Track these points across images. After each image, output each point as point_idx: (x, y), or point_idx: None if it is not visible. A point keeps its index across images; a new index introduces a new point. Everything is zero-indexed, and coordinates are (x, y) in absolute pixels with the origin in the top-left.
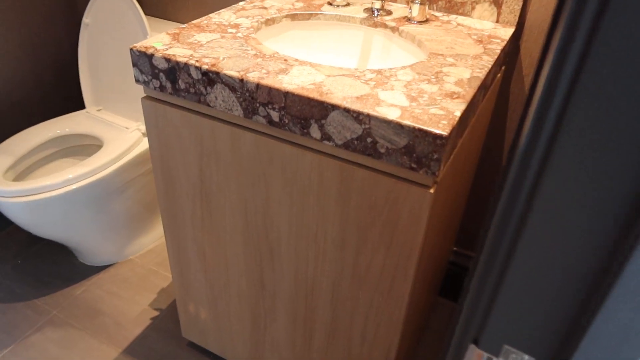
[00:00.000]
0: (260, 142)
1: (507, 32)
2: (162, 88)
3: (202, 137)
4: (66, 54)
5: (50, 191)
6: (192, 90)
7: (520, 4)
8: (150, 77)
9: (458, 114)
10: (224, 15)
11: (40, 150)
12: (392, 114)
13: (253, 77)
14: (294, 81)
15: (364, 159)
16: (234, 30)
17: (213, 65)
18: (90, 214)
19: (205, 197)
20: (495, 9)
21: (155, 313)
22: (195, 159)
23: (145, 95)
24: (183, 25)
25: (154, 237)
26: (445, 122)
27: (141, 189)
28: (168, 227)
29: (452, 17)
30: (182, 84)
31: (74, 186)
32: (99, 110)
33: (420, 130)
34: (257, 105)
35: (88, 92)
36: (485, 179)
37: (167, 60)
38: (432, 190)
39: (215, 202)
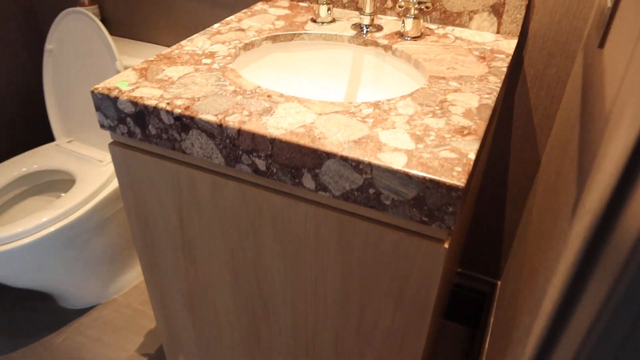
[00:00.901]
0: (246, 192)
1: (510, 45)
2: (130, 134)
3: (180, 187)
4: (31, 82)
5: (21, 239)
6: (164, 136)
7: (523, 12)
8: (116, 122)
9: (472, 156)
10: (197, 42)
11: (8, 190)
12: (397, 162)
13: (233, 121)
14: (280, 124)
15: (367, 210)
16: (209, 61)
17: (187, 108)
18: (69, 257)
19: (187, 247)
20: (495, 18)
21: (143, 359)
22: (174, 209)
23: (112, 140)
24: (152, 58)
25: (138, 272)
26: (459, 168)
27: (121, 224)
28: (149, 277)
29: (449, 29)
30: (153, 130)
31: (48, 230)
32: (69, 141)
33: (431, 181)
34: (240, 152)
35: (57, 123)
36: (487, 197)
37: (134, 103)
38: (446, 245)
39: (199, 253)
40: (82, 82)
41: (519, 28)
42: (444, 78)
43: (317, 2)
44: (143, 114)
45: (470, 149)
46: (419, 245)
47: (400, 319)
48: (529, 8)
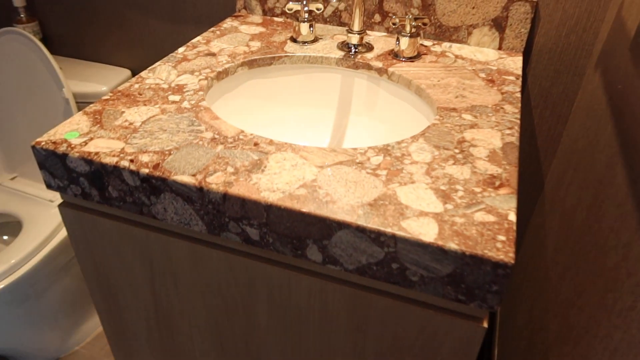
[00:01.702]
0: (235, 263)
1: (516, 63)
2: (85, 195)
3: (152, 256)
4: None
5: None
6: (129, 199)
7: (528, 26)
8: (66, 183)
9: (513, 217)
10: (161, 73)
11: None
12: (428, 232)
13: (216, 182)
14: (275, 184)
15: (387, 285)
16: (177, 98)
17: (156, 166)
18: (22, 313)
19: (163, 319)
20: (496, 33)
21: None
22: (145, 279)
23: (62, 200)
24: (107, 96)
25: None
26: (502, 237)
27: (80, 270)
28: (116, 347)
29: (446, 45)
30: (114, 192)
31: None
32: (12, 178)
33: (473, 256)
34: (227, 220)
35: None
36: None
37: (88, 161)
38: (485, 324)
39: (177, 325)
40: (26, 112)
41: (524, 43)
42: (455, 109)
43: (297, 19)
44: (100, 174)
45: (508, 207)
46: (451, 324)
47: None
48: (534, 21)
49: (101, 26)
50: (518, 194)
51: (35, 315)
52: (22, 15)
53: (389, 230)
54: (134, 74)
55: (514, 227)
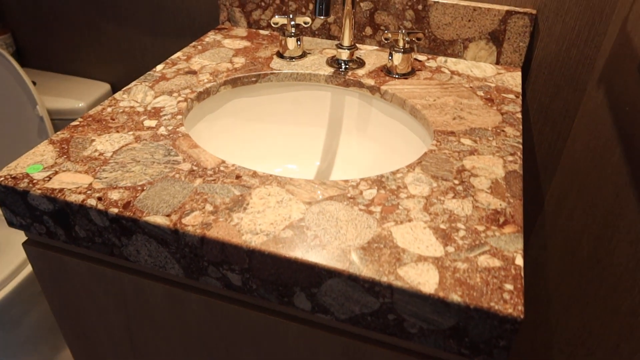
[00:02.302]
0: (215, 307)
1: (516, 80)
2: (50, 235)
3: (125, 297)
4: None
5: None
6: (98, 240)
7: (527, 40)
8: (29, 221)
9: (520, 261)
10: (137, 94)
11: None
12: (427, 281)
13: (193, 224)
14: (259, 225)
15: (383, 336)
16: (153, 123)
17: (126, 205)
18: None
19: (140, 358)
20: (494, 47)
21: None
22: (119, 321)
23: (26, 238)
24: (76, 122)
25: None
26: (509, 286)
27: None
28: None
29: (441, 60)
30: (81, 232)
31: None
32: None
33: (477, 310)
34: (205, 264)
35: None
36: None
37: (52, 199)
38: None
39: None
40: None
41: (522, 58)
42: (452, 133)
43: (284, 33)
44: (66, 213)
45: (514, 249)
46: None
47: None
48: (533, 35)
49: (78, 38)
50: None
51: (13, 345)
52: None
53: (384, 279)
54: (113, 87)
55: (522, 274)
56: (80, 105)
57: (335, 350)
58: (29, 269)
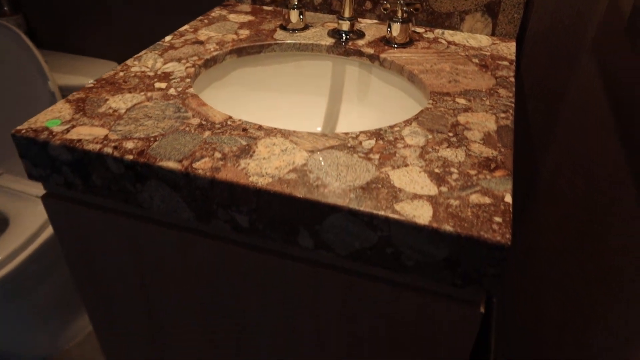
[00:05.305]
0: (225, 251)
1: (510, 49)
2: (68, 185)
3: (140, 245)
4: None
5: None
6: (114, 188)
7: (521, 11)
8: (49, 172)
9: (509, 199)
10: (147, 61)
11: None
12: (421, 214)
13: (203, 168)
14: (265, 169)
15: (381, 271)
16: (163, 85)
17: (141, 152)
18: (10, 311)
19: (152, 310)
20: (489, 19)
21: None
22: (132, 269)
23: (45, 192)
24: (90, 83)
25: None
26: (498, 218)
27: None
28: (105, 340)
29: (438, 32)
30: (98, 181)
31: None
32: None
33: (469, 238)
34: (215, 207)
35: None
36: None
37: (71, 149)
38: (482, 309)
39: (167, 317)
40: (10, 106)
41: (517, 29)
42: (448, 94)
43: (287, 7)
44: (83, 162)
45: (504, 189)
46: (447, 309)
47: None
48: (527, 6)
49: (87, 19)
50: (514, 178)
51: (24, 314)
52: (5, 8)
53: (382, 213)
54: None
55: (510, 209)
56: (90, 82)
57: (337, 288)
58: (41, 239)
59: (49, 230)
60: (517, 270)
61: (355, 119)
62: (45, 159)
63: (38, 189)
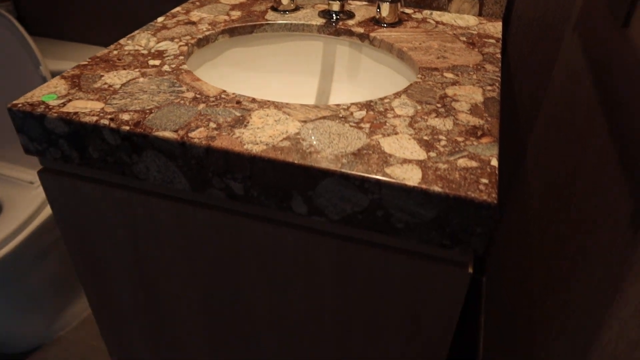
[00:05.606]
0: (220, 220)
1: (497, 28)
2: (65, 158)
3: (135, 218)
4: None
5: None
6: (110, 159)
7: None
8: (45, 145)
9: (495, 163)
10: (140, 40)
11: None
12: (411, 177)
13: (199, 137)
14: (259, 137)
15: (372, 235)
16: (157, 62)
17: (137, 123)
18: (3, 298)
19: (148, 285)
20: (476, 0)
21: None
22: (128, 242)
23: (41, 167)
24: (85, 61)
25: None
26: (485, 180)
27: (64, 251)
28: (101, 319)
29: (427, 13)
30: (94, 153)
31: None
32: None
33: (456, 198)
34: (210, 175)
35: None
36: None
37: (67, 121)
38: (470, 269)
39: (163, 290)
40: (1, 91)
41: (503, 9)
42: (436, 69)
43: None
44: (80, 134)
45: (490, 154)
46: (437, 271)
47: (410, 355)
48: None
49: (77, 5)
50: (500, 145)
51: (18, 299)
52: None
53: (373, 176)
54: None
55: (496, 172)
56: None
57: (329, 253)
58: (35, 224)
59: (42, 217)
60: (505, 242)
61: (346, 97)
62: (42, 133)
63: (31, 175)
